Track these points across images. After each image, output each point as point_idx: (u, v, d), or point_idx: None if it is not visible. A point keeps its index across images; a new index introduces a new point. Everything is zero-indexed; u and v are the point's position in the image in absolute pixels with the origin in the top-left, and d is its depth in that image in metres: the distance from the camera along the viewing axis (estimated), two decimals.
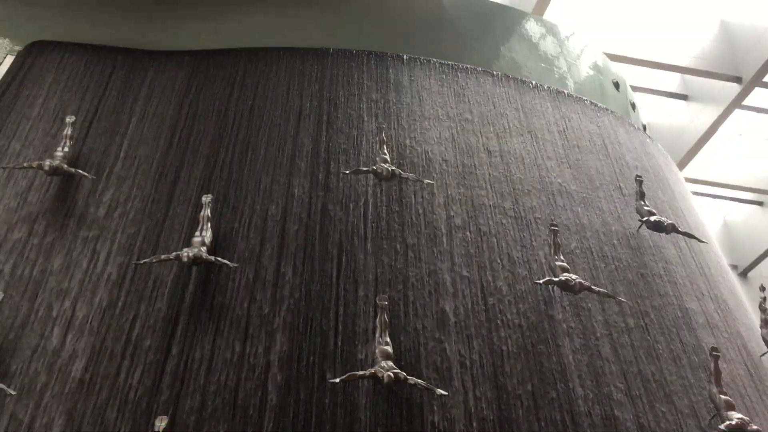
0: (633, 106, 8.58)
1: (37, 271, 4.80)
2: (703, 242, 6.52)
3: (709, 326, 5.74)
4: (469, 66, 6.84)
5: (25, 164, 5.32)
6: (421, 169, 5.73)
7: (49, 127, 5.79)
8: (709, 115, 12.79)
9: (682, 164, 12.83)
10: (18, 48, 6.54)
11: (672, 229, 5.93)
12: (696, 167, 13.87)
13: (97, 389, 4.20)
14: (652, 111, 12.86)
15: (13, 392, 4.08)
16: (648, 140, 7.81)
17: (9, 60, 6.47)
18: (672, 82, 13.46)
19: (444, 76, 6.66)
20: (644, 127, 8.55)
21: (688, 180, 9.96)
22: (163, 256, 4.69)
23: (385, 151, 5.55)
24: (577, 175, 6.35)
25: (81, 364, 4.31)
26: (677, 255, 6.21)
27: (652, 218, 5.94)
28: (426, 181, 5.54)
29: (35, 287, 4.72)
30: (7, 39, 6.66)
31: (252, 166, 5.53)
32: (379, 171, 5.34)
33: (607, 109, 7.47)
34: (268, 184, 5.40)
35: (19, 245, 4.95)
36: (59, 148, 5.35)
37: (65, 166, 5.24)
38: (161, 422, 3.90)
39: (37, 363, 4.33)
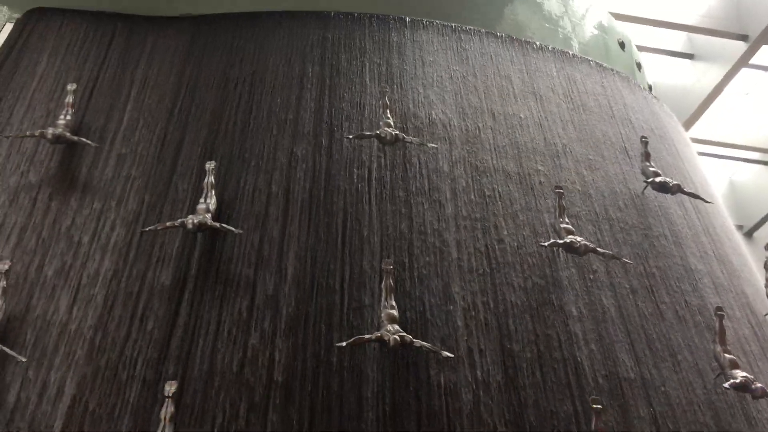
0: (639, 66, 8.48)
1: (43, 240, 4.83)
2: (709, 202, 6.50)
3: (714, 286, 5.76)
4: (472, 27, 6.75)
5: (28, 133, 5.30)
6: (424, 132, 5.69)
7: (50, 95, 5.76)
8: (716, 74, 12.67)
9: (688, 124, 12.76)
10: (17, 15, 6.48)
11: (677, 189, 5.91)
12: (702, 127, 13.79)
13: (106, 355, 4.25)
14: (657, 71, 12.74)
15: (23, 359, 4.14)
16: (654, 100, 7.75)
17: (8, 28, 6.41)
18: (678, 41, 13.31)
19: (447, 38, 6.58)
20: (650, 88, 8.47)
21: (694, 140, 9.89)
22: (168, 224, 4.70)
23: (389, 115, 5.51)
24: (582, 136, 6.31)
25: (89, 331, 4.36)
26: (682, 216, 6.20)
27: (658, 179, 5.92)
28: (430, 144, 5.51)
29: (41, 256, 4.75)
30: (5, 6, 6.59)
31: (255, 132, 5.51)
32: (382, 135, 5.30)
33: (612, 70, 7.40)
34: (271, 150, 5.38)
35: (25, 214, 4.97)
36: (61, 116, 5.33)
37: (68, 134, 5.22)
38: (171, 387, 3.95)
39: (45, 330, 4.38)
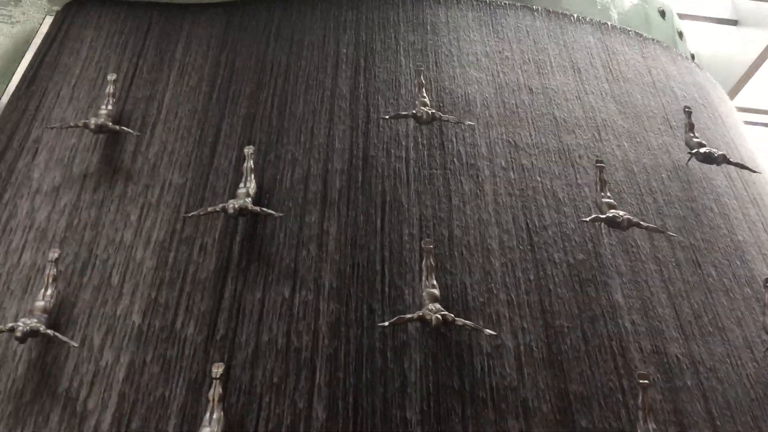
0: (680, 34, 8.26)
1: (90, 228, 4.95)
2: (756, 172, 6.33)
3: (763, 257, 5.62)
4: (507, 2, 6.65)
5: (72, 123, 5.42)
6: (461, 110, 5.65)
7: (92, 85, 5.88)
8: (761, 40, 12.25)
9: (733, 93, 12.40)
10: (56, 8, 6.60)
11: (723, 160, 5.76)
12: (748, 95, 13.38)
13: (155, 339, 4.35)
14: (700, 39, 12.39)
15: (75, 344, 4.25)
16: (697, 70, 7.55)
17: (48, 20, 6.53)
18: (721, 7, 12.91)
19: (482, 14, 6.49)
20: (692, 57, 8.25)
21: (739, 109, 9.62)
22: (209, 209, 4.77)
23: (424, 94, 5.48)
24: (622, 109, 6.19)
25: (138, 316, 4.46)
26: (729, 186, 6.06)
27: (702, 150, 5.77)
28: (467, 122, 5.47)
29: (89, 244, 4.87)
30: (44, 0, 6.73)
31: (292, 116, 5.54)
32: (419, 115, 5.27)
33: (653, 40, 7.22)
34: (308, 133, 5.40)
35: (71, 203, 5.09)
36: (103, 106, 5.44)
37: (110, 123, 5.32)
38: (218, 368, 4.02)
39: (96, 316, 4.49)
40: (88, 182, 5.22)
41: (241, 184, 4.88)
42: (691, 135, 5.96)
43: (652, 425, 4.02)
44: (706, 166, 5.93)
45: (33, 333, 4.17)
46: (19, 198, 5.17)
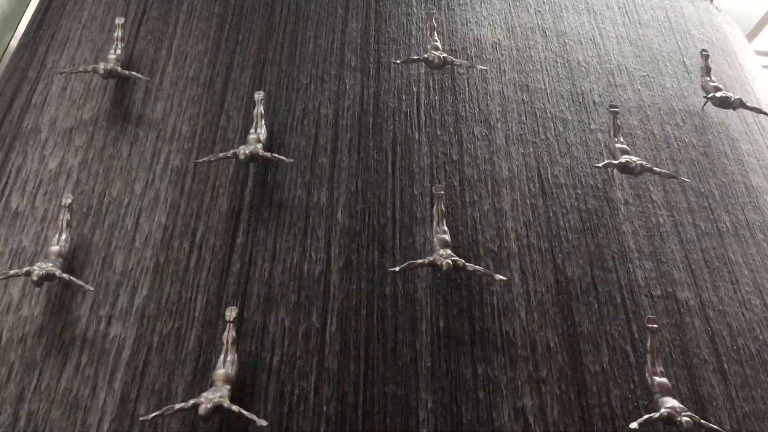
0: None
1: (102, 174, 4.95)
2: None
3: None
4: None
5: (81, 68, 5.37)
6: (473, 54, 5.58)
7: (99, 30, 5.80)
8: None
9: (752, 35, 12.13)
10: None
11: (739, 104, 5.67)
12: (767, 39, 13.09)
13: (168, 283, 4.40)
14: None
15: (90, 288, 4.31)
16: (715, 11, 7.37)
17: None
18: None
19: None
20: None
21: (758, 53, 9.41)
22: (221, 154, 4.76)
23: (436, 38, 5.39)
24: (638, 52, 6.09)
25: (151, 261, 4.50)
26: (744, 132, 5.98)
27: (719, 94, 5.67)
28: (479, 66, 5.39)
29: (102, 189, 4.88)
30: None
31: (302, 60, 5.48)
32: (430, 59, 5.19)
33: None
34: (318, 78, 5.35)
35: (82, 149, 5.09)
36: (112, 51, 5.37)
37: (119, 68, 5.26)
38: (231, 312, 4.08)
39: (110, 260, 4.54)
40: (98, 127, 5.21)
41: (252, 130, 4.85)
42: (708, 79, 5.86)
43: (660, 368, 4.07)
44: (722, 111, 5.84)
45: (49, 277, 4.22)
46: (30, 143, 5.18)
